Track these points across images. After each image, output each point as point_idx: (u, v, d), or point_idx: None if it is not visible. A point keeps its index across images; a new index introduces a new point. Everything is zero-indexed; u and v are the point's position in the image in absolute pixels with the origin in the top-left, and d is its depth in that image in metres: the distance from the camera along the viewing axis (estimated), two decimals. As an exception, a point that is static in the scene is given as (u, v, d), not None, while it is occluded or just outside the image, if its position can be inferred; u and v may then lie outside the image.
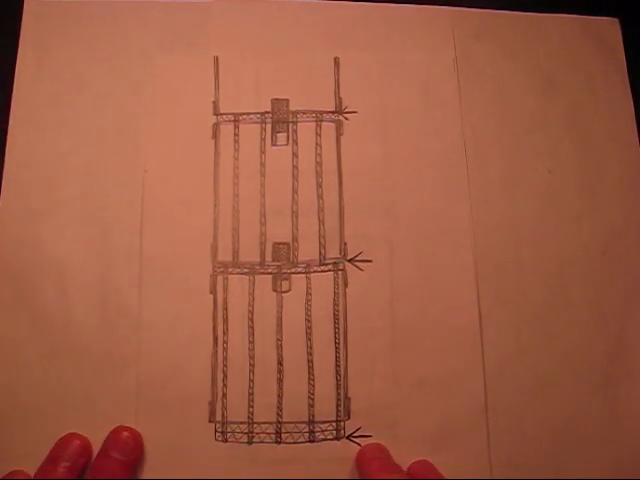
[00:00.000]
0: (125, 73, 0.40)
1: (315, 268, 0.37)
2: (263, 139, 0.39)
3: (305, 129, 0.39)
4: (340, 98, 0.40)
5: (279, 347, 0.36)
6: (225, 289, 0.37)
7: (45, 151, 0.38)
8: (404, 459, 0.35)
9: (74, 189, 0.38)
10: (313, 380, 0.36)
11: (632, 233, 0.39)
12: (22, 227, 0.35)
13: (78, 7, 0.41)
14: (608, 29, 0.43)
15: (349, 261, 0.38)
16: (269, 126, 0.39)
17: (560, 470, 0.36)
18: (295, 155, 0.39)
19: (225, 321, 0.36)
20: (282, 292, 0.37)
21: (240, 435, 0.35)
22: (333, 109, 0.40)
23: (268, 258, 0.38)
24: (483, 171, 0.40)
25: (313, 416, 0.36)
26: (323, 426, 0.36)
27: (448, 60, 0.41)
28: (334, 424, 0.36)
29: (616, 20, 0.43)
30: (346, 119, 0.40)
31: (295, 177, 0.39)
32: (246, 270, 0.37)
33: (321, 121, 0.40)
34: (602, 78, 0.42)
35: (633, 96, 0.42)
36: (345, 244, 0.38)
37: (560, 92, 0.41)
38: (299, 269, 0.37)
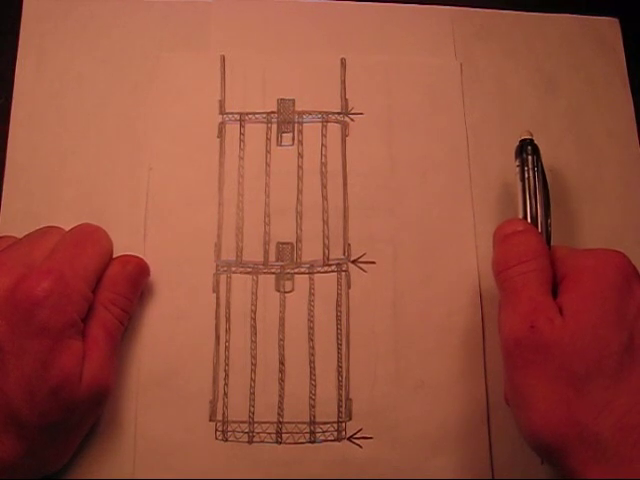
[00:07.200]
0: (126, 72, 0.40)
1: (318, 269, 0.37)
2: (269, 139, 0.39)
3: (311, 130, 0.39)
4: (346, 99, 0.40)
5: (281, 347, 0.36)
6: (228, 288, 0.37)
7: (46, 151, 0.38)
8: (405, 461, 0.35)
9: (76, 189, 0.38)
10: (315, 381, 0.36)
11: (632, 233, 0.39)
12: (24, 228, 0.35)
13: (78, 6, 0.41)
14: (608, 29, 0.43)
15: (353, 262, 0.38)
16: (275, 126, 0.39)
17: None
18: (300, 155, 0.39)
19: (227, 320, 0.36)
20: (285, 292, 0.37)
21: (240, 435, 0.35)
22: (339, 110, 0.40)
23: (272, 258, 0.38)
24: (484, 171, 0.40)
25: (314, 417, 0.35)
26: (324, 427, 0.35)
27: (454, 64, 0.41)
28: (335, 425, 0.35)
29: (616, 20, 0.43)
30: (352, 120, 0.40)
31: (300, 177, 0.39)
32: (249, 269, 0.37)
33: (327, 122, 0.40)
34: (602, 78, 0.42)
35: (633, 96, 0.42)
36: (349, 245, 0.38)
37: (560, 92, 0.42)
38: (302, 269, 0.37)
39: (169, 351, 0.36)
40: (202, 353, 0.36)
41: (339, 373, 0.36)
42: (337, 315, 0.37)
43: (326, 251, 0.38)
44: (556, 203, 0.38)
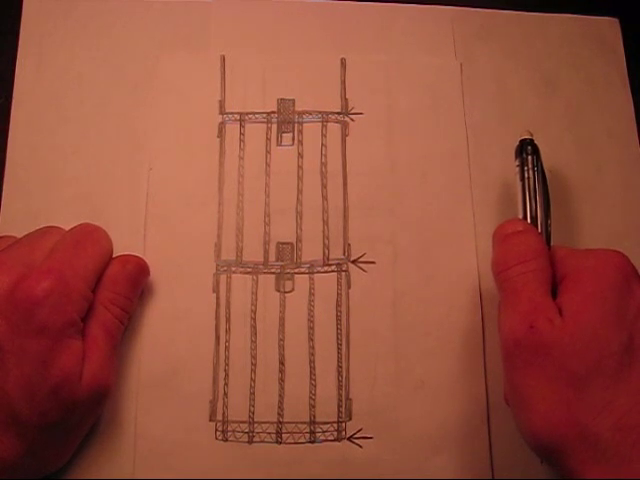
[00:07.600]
0: (126, 72, 0.40)
1: (318, 269, 0.37)
2: (269, 139, 0.39)
3: (311, 130, 0.39)
4: (346, 99, 0.40)
5: (281, 347, 0.36)
6: (228, 288, 0.37)
7: (46, 151, 0.38)
8: (405, 461, 0.35)
9: (76, 189, 0.38)
10: (315, 381, 0.36)
11: (632, 233, 0.39)
12: (24, 228, 0.35)
13: (78, 6, 0.41)
14: (608, 29, 0.43)
15: (352, 262, 0.38)
16: (275, 126, 0.39)
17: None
18: (300, 155, 0.39)
19: (227, 320, 0.36)
20: (285, 292, 0.37)
21: (240, 435, 0.35)
22: (339, 110, 0.40)
23: (272, 258, 0.38)
24: (484, 171, 0.40)
25: (314, 417, 0.35)
26: (324, 427, 0.35)
27: (454, 64, 0.41)
28: (335, 425, 0.35)
29: (616, 20, 0.43)
30: (352, 120, 0.40)
31: (300, 177, 0.39)
32: (249, 269, 0.37)
33: (327, 122, 0.40)
34: (602, 78, 0.42)
35: (633, 96, 0.42)
36: (349, 245, 0.38)
37: (560, 92, 0.42)
38: (302, 269, 0.37)
39: (169, 351, 0.36)
40: (202, 353, 0.36)
41: (339, 373, 0.36)
42: (337, 315, 0.37)
43: (326, 251, 0.38)
44: (556, 203, 0.38)
